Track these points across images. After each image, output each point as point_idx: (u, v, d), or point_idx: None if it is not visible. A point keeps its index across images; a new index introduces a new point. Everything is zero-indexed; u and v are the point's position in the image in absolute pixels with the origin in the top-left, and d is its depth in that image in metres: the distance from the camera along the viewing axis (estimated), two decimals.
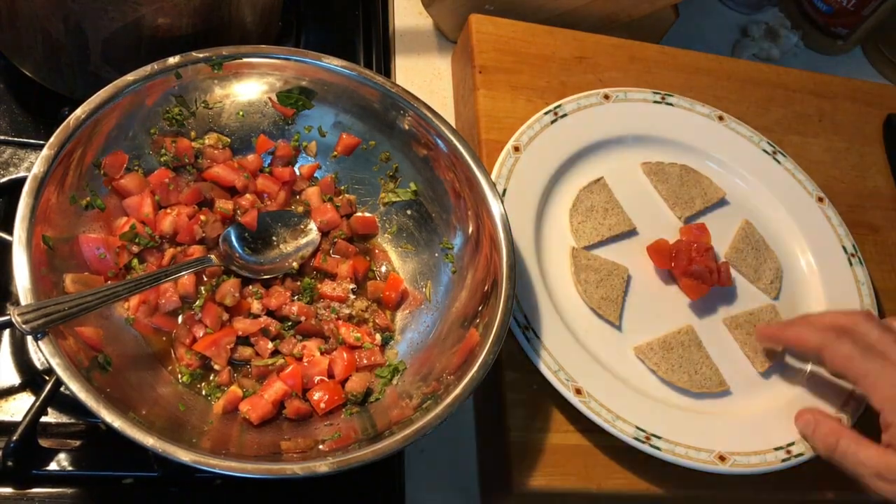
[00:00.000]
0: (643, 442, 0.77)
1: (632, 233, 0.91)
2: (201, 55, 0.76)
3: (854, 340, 0.76)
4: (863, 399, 0.83)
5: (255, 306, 0.76)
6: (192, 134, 0.80)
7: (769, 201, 0.97)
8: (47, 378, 0.74)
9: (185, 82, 0.76)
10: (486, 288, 0.75)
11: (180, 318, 0.74)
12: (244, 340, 0.75)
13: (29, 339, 0.78)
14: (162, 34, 0.81)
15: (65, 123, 0.69)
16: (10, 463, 0.69)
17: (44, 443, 0.73)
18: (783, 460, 0.79)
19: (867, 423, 0.88)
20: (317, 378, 0.73)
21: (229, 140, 0.81)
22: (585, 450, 0.80)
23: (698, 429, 0.80)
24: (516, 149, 0.89)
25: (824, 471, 0.82)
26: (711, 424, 0.81)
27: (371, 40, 1.06)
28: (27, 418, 0.70)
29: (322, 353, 0.75)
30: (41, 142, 0.86)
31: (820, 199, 0.98)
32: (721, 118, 1.00)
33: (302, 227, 0.81)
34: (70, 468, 0.72)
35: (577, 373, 0.78)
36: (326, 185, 0.84)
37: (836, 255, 0.95)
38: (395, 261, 0.83)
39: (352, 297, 0.79)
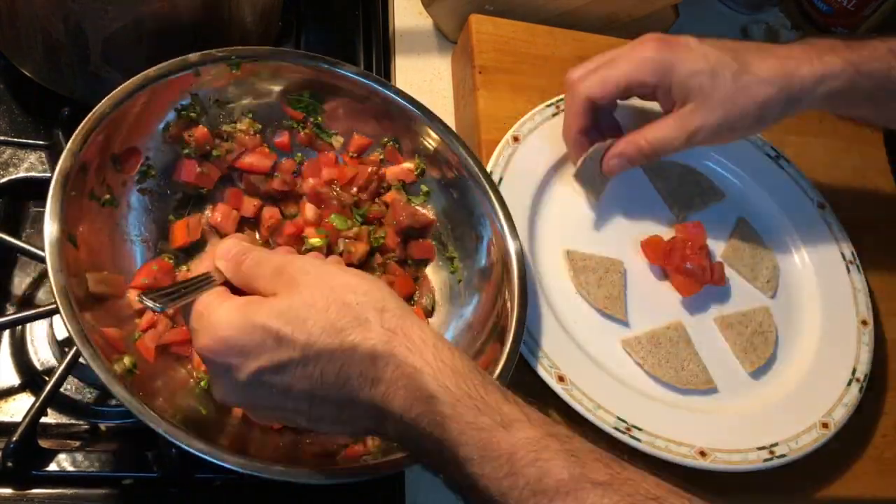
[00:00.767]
0: (623, 433, 0.77)
1: (627, 226, 0.92)
2: (220, 54, 0.76)
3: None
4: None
5: None
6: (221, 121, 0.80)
7: (769, 205, 0.97)
8: (47, 378, 0.73)
9: (201, 80, 0.77)
10: (491, 325, 0.76)
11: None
12: None
13: (29, 339, 0.79)
14: (162, 34, 0.81)
15: (89, 116, 0.69)
16: (9, 464, 0.69)
17: (43, 443, 0.73)
18: (765, 460, 0.79)
19: (860, 429, 0.89)
20: None
21: (261, 126, 0.82)
22: None
23: (681, 424, 0.80)
24: (515, 139, 0.89)
25: (810, 472, 0.82)
26: (695, 421, 0.81)
27: (371, 40, 1.06)
28: (27, 419, 0.69)
29: None
30: (41, 142, 0.86)
31: (821, 206, 0.98)
32: None
33: None
34: (70, 469, 0.72)
35: (562, 361, 0.79)
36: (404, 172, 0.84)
37: (835, 261, 0.95)
38: (438, 293, 0.83)
39: None
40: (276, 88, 0.81)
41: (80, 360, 0.69)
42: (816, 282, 0.94)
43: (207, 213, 0.80)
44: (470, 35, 0.98)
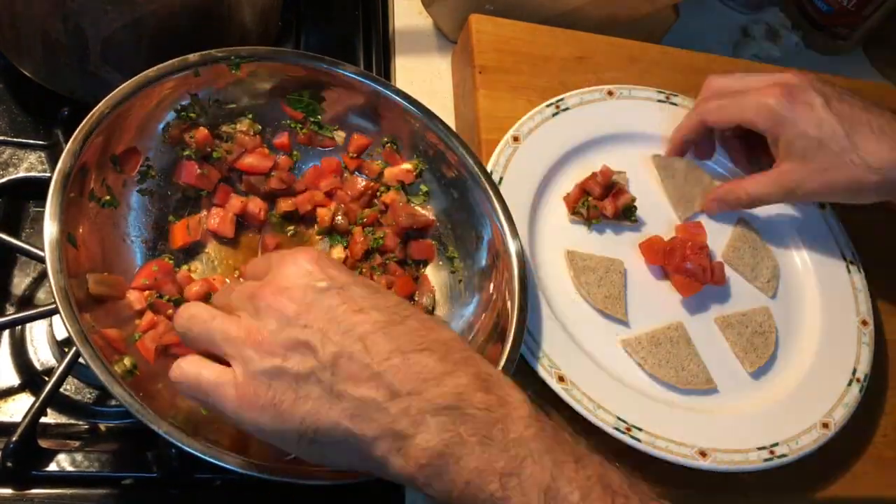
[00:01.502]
0: (623, 433, 0.76)
1: (627, 226, 0.92)
2: (220, 55, 0.76)
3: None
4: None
5: None
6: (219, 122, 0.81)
7: (769, 206, 0.97)
8: (46, 379, 0.73)
9: (201, 80, 0.77)
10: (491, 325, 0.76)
11: None
12: None
13: (28, 339, 0.79)
14: (161, 34, 0.81)
15: (89, 117, 0.69)
16: (9, 464, 0.69)
17: (43, 443, 0.73)
18: (765, 460, 0.79)
19: (861, 429, 0.89)
20: None
21: (260, 127, 0.82)
22: None
23: (681, 424, 0.80)
24: (515, 139, 0.89)
25: (810, 472, 0.82)
26: (695, 421, 0.81)
27: (371, 40, 1.06)
28: (27, 419, 0.69)
29: None
30: (41, 142, 0.86)
31: (822, 206, 0.98)
32: None
33: None
34: (70, 469, 0.72)
35: (562, 361, 0.79)
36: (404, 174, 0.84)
37: (836, 262, 0.95)
38: (438, 293, 0.83)
39: None
40: (276, 88, 0.81)
41: (80, 360, 0.69)
42: (817, 282, 0.93)
43: (204, 213, 0.80)
44: (470, 35, 0.98)
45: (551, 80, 0.98)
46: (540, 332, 0.80)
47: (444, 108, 1.02)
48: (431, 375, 0.53)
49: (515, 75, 0.97)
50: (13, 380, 0.77)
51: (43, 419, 0.73)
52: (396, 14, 1.09)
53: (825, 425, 0.82)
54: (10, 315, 0.76)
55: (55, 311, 0.64)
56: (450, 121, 0.89)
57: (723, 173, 0.98)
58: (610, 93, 0.96)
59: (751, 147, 0.94)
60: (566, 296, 0.85)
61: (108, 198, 0.73)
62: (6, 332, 0.79)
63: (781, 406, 0.84)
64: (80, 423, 0.76)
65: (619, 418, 0.77)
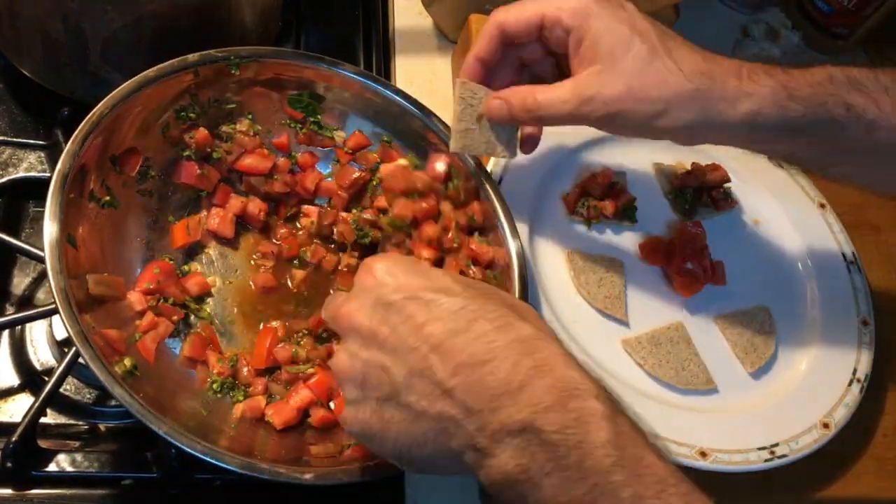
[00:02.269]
0: None
1: (628, 227, 0.92)
2: (220, 55, 0.76)
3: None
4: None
5: None
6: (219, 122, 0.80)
7: (770, 205, 0.97)
8: (46, 379, 0.73)
9: (201, 81, 0.77)
10: None
11: None
12: None
13: (28, 339, 0.79)
14: (162, 34, 0.81)
15: (88, 117, 0.69)
16: (9, 464, 0.69)
17: (43, 444, 0.73)
18: (765, 460, 0.79)
19: (861, 429, 0.88)
20: None
21: (260, 127, 0.82)
22: None
23: (681, 424, 0.80)
24: None
25: (810, 472, 0.82)
26: (695, 421, 0.81)
27: (371, 40, 1.06)
28: (26, 419, 0.69)
29: None
30: (41, 142, 0.86)
31: (822, 206, 0.98)
32: None
33: None
34: (69, 469, 0.72)
35: None
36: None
37: (836, 262, 0.95)
38: None
39: None
40: (276, 89, 0.81)
41: (80, 360, 0.69)
42: (817, 282, 0.93)
43: (204, 213, 0.80)
44: (470, 35, 0.98)
45: None
46: None
47: (444, 108, 1.01)
48: (503, 390, 0.51)
49: None
50: (13, 380, 0.77)
51: (43, 419, 0.73)
52: (396, 14, 1.09)
53: (825, 425, 0.82)
54: (10, 315, 0.76)
55: (55, 312, 0.64)
56: (450, 121, 0.88)
57: None
58: None
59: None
60: (566, 296, 0.85)
61: (107, 198, 0.73)
62: (6, 332, 0.79)
63: (781, 406, 0.84)
64: (80, 423, 0.76)
65: None
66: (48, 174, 0.84)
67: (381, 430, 0.55)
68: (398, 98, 0.82)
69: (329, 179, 0.83)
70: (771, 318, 0.90)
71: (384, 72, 1.04)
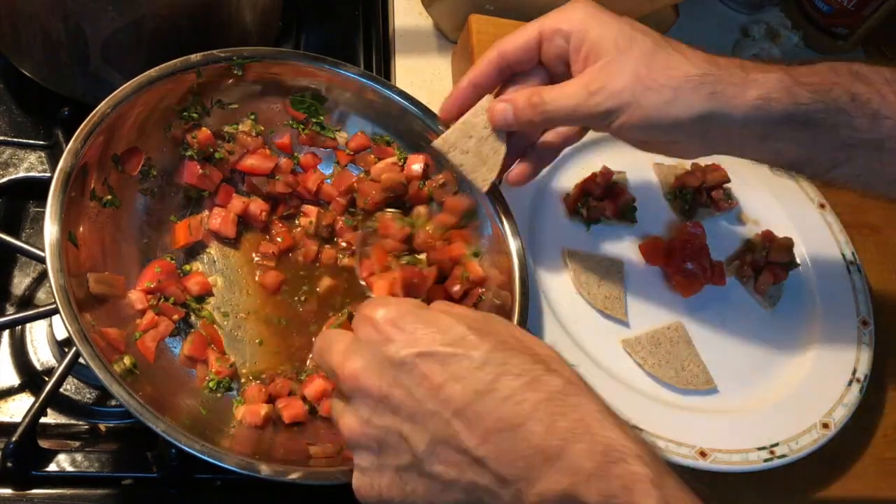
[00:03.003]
0: None
1: (627, 227, 0.92)
2: (223, 55, 0.77)
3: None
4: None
5: None
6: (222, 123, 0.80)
7: (770, 205, 0.97)
8: (46, 379, 0.73)
9: (204, 81, 0.77)
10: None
11: None
12: None
13: (28, 339, 0.79)
14: (162, 34, 0.81)
15: (91, 116, 0.69)
16: (9, 464, 0.69)
17: (43, 444, 0.73)
18: (765, 460, 0.79)
19: (861, 429, 0.88)
20: None
21: (262, 128, 0.82)
22: None
23: (681, 424, 0.80)
24: None
25: (810, 472, 0.82)
26: (695, 421, 0.81)
27: (371, 40, 1.06)
28: (27, 419, 0.69)
29: None
30: (41, 142, 0.86)
31: (821, 206, 0.98)
32: None
33: None
34: (70, 469, 0.72)
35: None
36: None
37: (835, 262, 0.95)
38: None
39: None
40: (278, 89, 0.81)
41: (80, 360, 0.69)
42: (817, 282, 0.93)
43: (206, 213, 0.80)
44: (470, 35, 0.98)
45: None
46: (540, 332, 0.80)
47: None
48: (540, 457, 0.47)
49: None
50: (13, 380, 0.77)
51: (43, 419, 0.73)
52: (396, 14, 1.09)
53: (825, 425, 0.82)
54: (10, 315, 0.76)
55: (55, 311, 0.64)
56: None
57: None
58: None
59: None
60: (566, 296, 0.85)
61: (109, 197, 0.73)
62: (6, 333, 0.79)
63: (781, 406, 0.84)
64: (80, 423, 0.76)
65: None
66: (48, 174, 0.84)
67: (401, 501, 0.51)
68: (399, 98, 0.82)
69: (330, 182, 0.83)
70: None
71: (384, 72, 1.04)
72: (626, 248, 0.90)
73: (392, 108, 0.82)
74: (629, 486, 0.46)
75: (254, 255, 0.80)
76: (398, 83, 1.01)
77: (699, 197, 0.94)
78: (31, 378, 0.77)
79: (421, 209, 0.79)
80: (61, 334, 0.77)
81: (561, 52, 0.70)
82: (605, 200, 0.90)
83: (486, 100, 0.74)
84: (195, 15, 0.82)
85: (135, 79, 0.72)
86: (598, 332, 0.84)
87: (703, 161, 0.96)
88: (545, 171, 0.90)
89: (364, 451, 0.52)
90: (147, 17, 0.79)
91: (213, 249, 0.80)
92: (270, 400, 0.72)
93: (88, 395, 0.78)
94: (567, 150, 0.92)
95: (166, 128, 0.77)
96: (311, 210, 0.82)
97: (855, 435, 0.86)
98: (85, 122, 0.69)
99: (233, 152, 0.80)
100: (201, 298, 0.77)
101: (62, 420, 0.76)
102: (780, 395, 0.85)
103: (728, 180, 0.95)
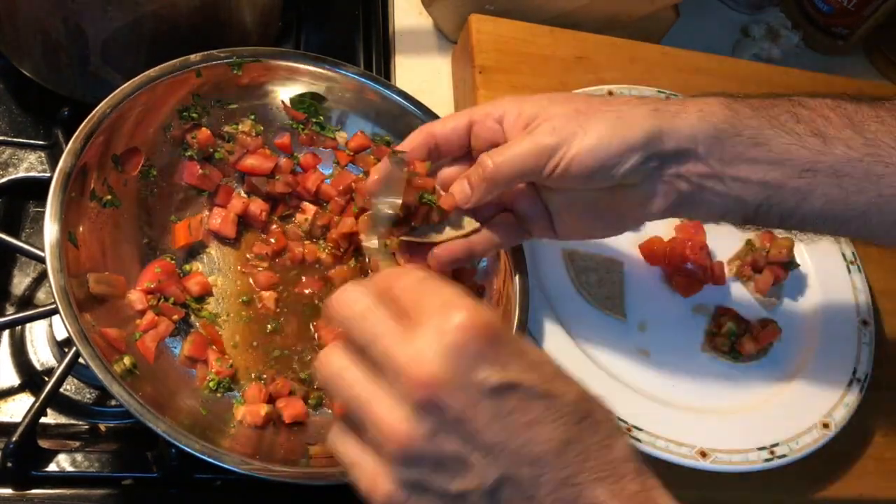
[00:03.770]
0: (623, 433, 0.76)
1: None
2: (222, 55, 0.77)
3: None
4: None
5: None
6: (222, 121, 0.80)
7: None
8: (46, 379, 0.73)
9: (204, 81, 0.77)
10: None
11: None
12: None
13: (28, 339, 0.79)
14: (162, 34, 0.81)
15: (90, 116, 0.69)
16: (9, 464, 0.69)
17: (43, 444, 0.73)
18: (765, 460, 0.79)
19: (861, 429, 0.89)
20: None
21: (262, 128, 0.82)
22: None
23: (681, 424, 0.80)
24: None
25: (810, 472, 0.82)
26: (695, 421, 0.81)
27: (371, 40, 1.06)
28: (26, 419, 0.69)
29: None
30: (41, 142, 0.86)
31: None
32: None
33: None
34: (70, 469, 0.72)
35: (562, 361, 0.78)
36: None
37: (835, 261, 0.94)
38: None
39: None
40: (278, 89, 0.81)
41: (80, 360, 0.69)
42: (817, 282, 0.93)
43: (206, 213, 0.80)
44: (470, 35, 0.98)
45: (551, 80, 0.98)
46: (540, 332, 0.80)
47: (444, 108, 1.01)
48: None
49: (515, 75, 0.97)
50: (13, 380, 0.77)
51: (43, 419, 0.73)
52: (396, 14, 1.09)
53: (825, 425, 0.82)
54: (10, 315, 0.76)
55: (55, 311, 0.64)
56: None
57: None
58: (610, 93, 0.96)
59: None
60: (566, 296, 0.85)
61: (109, 197, 0.73)
62: (6, 333, 0.79)
63: (781, 406, 0.84)
64: (80, 423, 0.76)
65: (619, 418, 0.77)
66: (48, 174, 0.84)
67: None
68: (399, 98, 0.82)
69: (329, 182, 0.83)
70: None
71: (384, 72, 1.04)
72: (626, 248, 0.90)
73: (392, 108, 0.82)
74: None
75: (247, 255, 0.80)
76: (398, 83, 1.01)
77: None
78: (30, 378, 0.77)
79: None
80: (61, 334, 0.77)
81: (493, 134, 0.67)
82: None
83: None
84: (195, 15, 0.82)
85: (134, 79, 0.72)
86: (598, 332, 0.84)
87: None
88: None
89: (413, 463, 0.46)
90: (147, 17, 0.79)
91: (213, 249, 0.80)
92: (270, 400, 0.72)
93: (88, 395, 0.78)
94: None
95: (166, 128, 0.77)
96: (309, 207, 0.82)
97: (855, 435, 0.86)
98: (85, 122, 0.69)
99: (233, 152, 0.80)
100: (201, 298, 0.77)
101: (62, 420, 0.76)
102: (780, 395, 0.85)
103: None
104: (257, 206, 0.80)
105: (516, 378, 0.46)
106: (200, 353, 0.73)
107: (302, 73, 0.81)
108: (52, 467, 0.72)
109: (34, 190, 0.84)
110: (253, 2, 0.88)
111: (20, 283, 0.82)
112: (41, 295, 0.82)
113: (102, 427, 0.77)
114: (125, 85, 0.71)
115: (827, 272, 0.94)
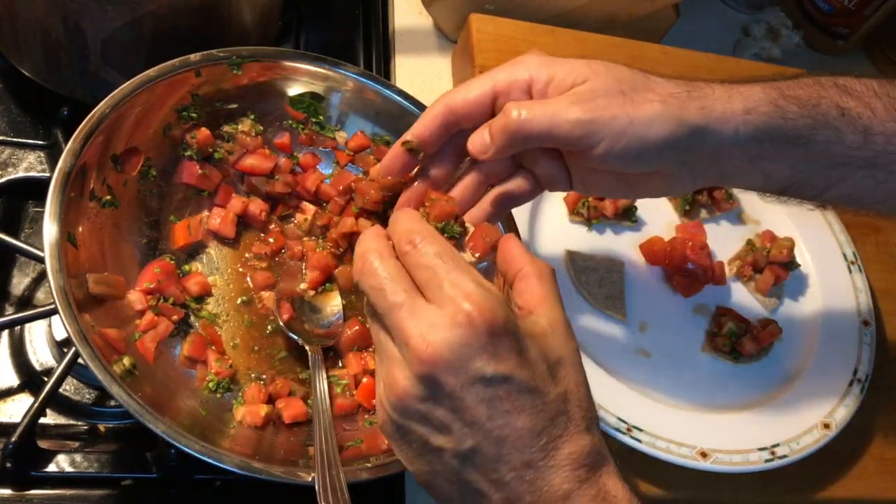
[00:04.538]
0: (624, 433, 0.77)
1: (628, 227, 0.92)
2: (222, 55, 0.77)
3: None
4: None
5: None
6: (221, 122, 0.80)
7: (771, 205, 0.97)
8: (46, 379, 0.73)
9: (203, 80, 0.77)
10: None
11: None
12: None
13: (28, 339, 0.78)
14: (161, 34, 0.81)
15: (90, 116, 0.69)
16: (8, 464, 0.69)
17: (42, 444, 0.73)
18: (766, 461, 0.79)
19: (861, 429, 0.88)
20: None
21: (262, 127, 0.82)
22: None
23: (682, 425, 0.80)
24: None
25: (811, 472, 0.82)
26: (696, 421, 0.81)
27: (371, 40, 1.06)
28: (26, 419, 0.69)
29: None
30: (40, 142, 0.86)
31: (822, 206, 0.98)
32: None
33: None
34: (69, 470, 0.72)
35: None
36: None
37: (836, 262, 0.95)
38: None
39: None
40: (277, 89, 0.81)
41: (80, 360, 0.69)
42: (818, 282, 0.93)
43: (205, 213, 0.80)
44: (470, 34, 0.98)
45: None
46: None
47: None
48: (557, 496, 0.52)
49: None
50: (13, 380, 0.77)
51: (42, 419, 0.73)
52: (396, 14, 1.09)
53: (826, 426, 0.82)
54: (9, 315, 0.76)
55: (55, 312, 0.64)
56: None
57: None
58: None
59: None
60: (566, 296, 0.85)
61: (108, 197, 0.73)
62: (5, 333, 0.79)
63: (781, 406, 0.84)
64: (80, 423, 0.76)
65: (619, 419, 0.77)
66: (48, 174, 0.84)
67: (407, 459, 0.56)
68: (399, 98, 0.82)
69: (329, 182, 0.83)
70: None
71: (384, 72, 1.04)
72: (626, 248, 0.90)
73: (392, 107, 0.82)
74: None
75: (246, 255, 0.80)
76: (398, 83, 1.01)
77: (700, 197, 0.94)
78: (30, 378, 0.77)
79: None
80: (60, 335, 0.77)
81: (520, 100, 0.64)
82: (605, 200, 0.90)
83: None
84: (194, 15, 0.82)
85: (134, 78, 0.72)
86: (599, 332, 0.84)
87: None
88: None
89: (405, 415, 0.54)
90: (146, 17, 0.79)
91: (213, 249, 0.80)
92: (270, 400, 0.72)
93: (88, 396, 0.78)
94: None
95: (165, 128, 0.77)
96: (309, 207, 0.82)
97: (856, 435, 0.86)
98: (84, 122, 0.69)
99: (232, 152, 0.80)
100: (201, 299, 0.77)
101: (61, 420, 0.76)
102: (780, 395, 0.85)
103: None
104: (257, 206, 0.80)
105: (509, 372, 0.51)
106: (200, 354, 0.73)
107: (301, 72, 0.81)
108: (51, 468, 0.71)
109: (34, 190, 0.84)
110: (253, 2, 0.88)
111: (19, 283, 0.82)
112: (40, 295, 0.81)
113: (102, 427, 0.77)
114: (125, 85, 0.71)
115: (828, 272, 0.94)
